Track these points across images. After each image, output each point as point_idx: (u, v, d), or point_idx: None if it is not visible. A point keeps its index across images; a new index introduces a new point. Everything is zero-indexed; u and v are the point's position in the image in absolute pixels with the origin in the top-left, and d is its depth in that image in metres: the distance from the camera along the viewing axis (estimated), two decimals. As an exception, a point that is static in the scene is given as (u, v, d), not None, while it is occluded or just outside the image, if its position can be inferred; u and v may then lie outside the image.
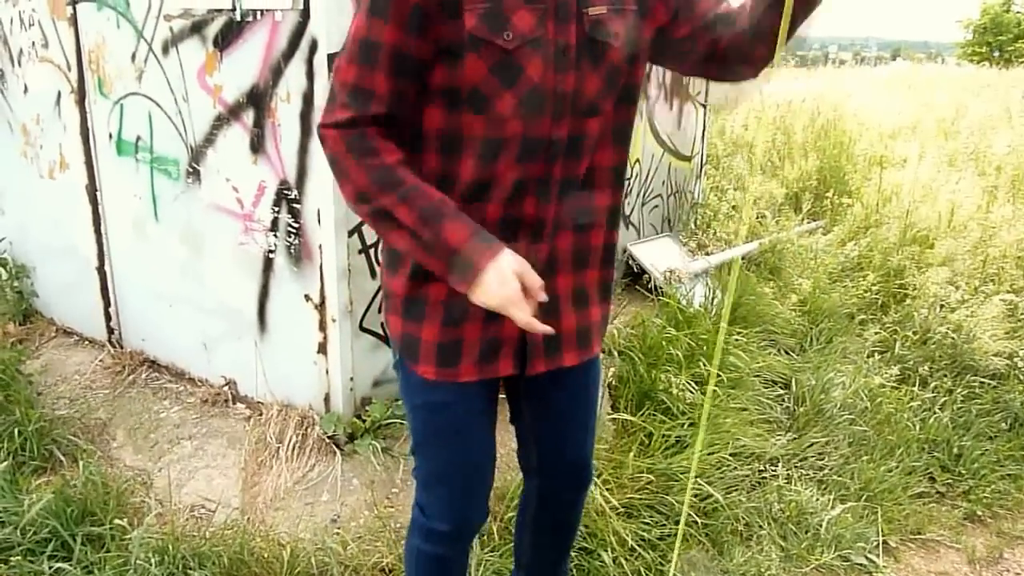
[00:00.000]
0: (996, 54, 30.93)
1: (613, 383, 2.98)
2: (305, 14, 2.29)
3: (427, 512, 1.55)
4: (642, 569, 2.20)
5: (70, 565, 2.10)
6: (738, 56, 1.38)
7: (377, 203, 1.25)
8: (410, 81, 1.26)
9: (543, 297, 1.23)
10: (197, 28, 2.56)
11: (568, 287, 1.44)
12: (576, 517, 1.79)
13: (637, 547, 2.24)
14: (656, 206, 4.64)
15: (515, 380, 1.51)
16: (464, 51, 1.24)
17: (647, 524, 2.33)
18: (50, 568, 2.07)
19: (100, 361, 3.25)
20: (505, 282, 1.20)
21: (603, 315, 1.54)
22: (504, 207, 1.33)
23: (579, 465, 1.65)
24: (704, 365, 3.03)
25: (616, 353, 3.31)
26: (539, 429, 1.61)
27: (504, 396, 1.60)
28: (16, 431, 2.61)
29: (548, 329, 1.24)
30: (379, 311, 2.58)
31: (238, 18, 2.44)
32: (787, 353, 3.58)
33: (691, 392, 2.90)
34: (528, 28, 1.24)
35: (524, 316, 1.21)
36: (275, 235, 2.57)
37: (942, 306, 3.90)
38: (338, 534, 2.30)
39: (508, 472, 2.35)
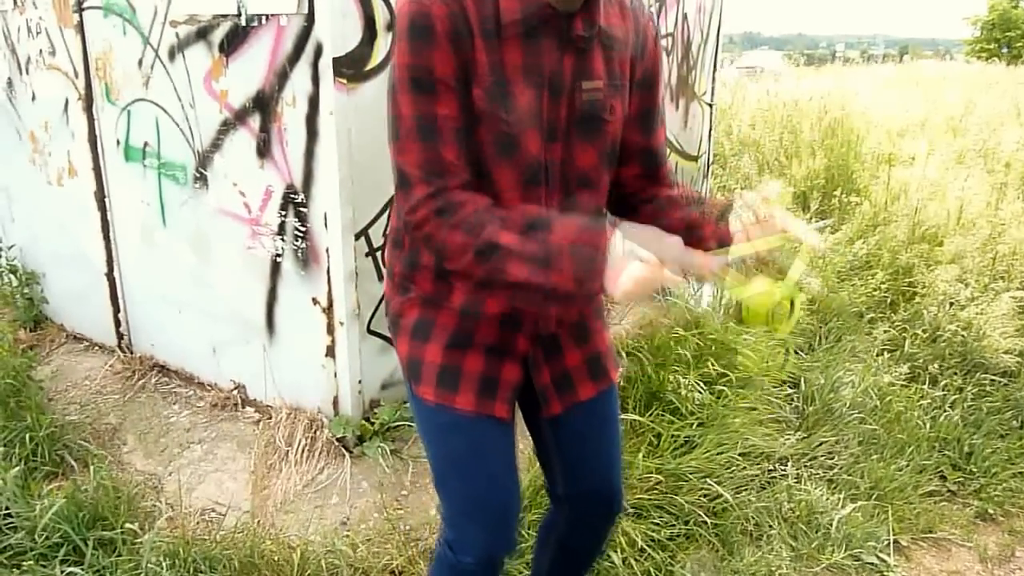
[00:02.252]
0: (1004, 51, 30.74)
1: (621, 383, 2.98)
2: (310, 18, 2.29)
3: (455, 548, 1.48)
4: (651, 569, 2.20)
5: (82, 569, 2.11)
6: (624, 205, 1.47)
7: (483, 241, 1.19)
8: (469, 149, 1.26)
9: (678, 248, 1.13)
10: (203, 34, 2.57)
11: (567, 325, 1.45)
12: (603, 544, 1.76)
13: (646, 547, 2.24)
14: (663, 206, 4.63)
15: (533, 413, 1.51)
16: (474, 123, 1.25)
17: (656, 524, 2.33)
18: (62, 572, 2.08)
19: (110, 366, 3.26)
20: (650, 270, 1.11)
21: (609, 339, 1.55)
22: None
23: (608, 494, 1.61)
24: (712, 365, 3.03)
25: (624, 354, 3.31)
26: (564, 461, 1.58)
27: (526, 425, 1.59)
28: (27, 437, 2.63)
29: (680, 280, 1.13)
30: (386, 314, 2.59)
31: (243, 23, 2.45)
32: (796, 352, 3.57)
33: (699, 392, 2.90)
34: (527, 103, 1.26)
35: (670, 275, 1.11)
36: (282, 239, 2.58)
37: (952, 304, 3.88)
38: (348, 536, 2.30)
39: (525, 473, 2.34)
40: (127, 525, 2.23)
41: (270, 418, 2.75)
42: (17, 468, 2.42)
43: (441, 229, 1.22)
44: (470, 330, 1.37)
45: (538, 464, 1.74)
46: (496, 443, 1.46)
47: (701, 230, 1.34)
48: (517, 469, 1.52)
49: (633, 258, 1.11)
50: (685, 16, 4.46)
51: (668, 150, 4.64)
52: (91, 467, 2.52)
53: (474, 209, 1.21)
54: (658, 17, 4.15)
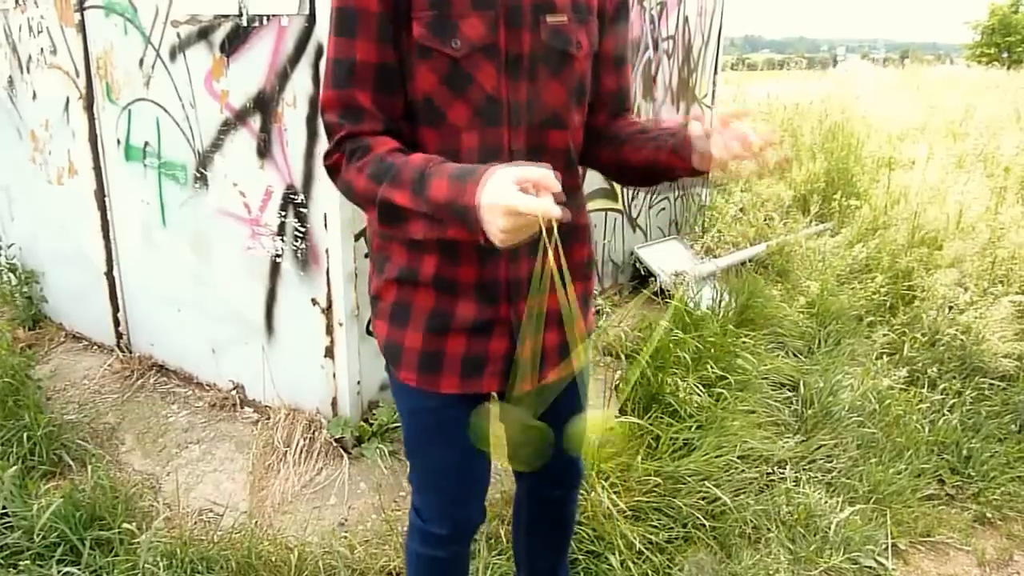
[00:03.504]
0: (1005, 55, 30.78)
1: (620, 385, 2.98)
2: (311, 19, 2.30)
3: (423, 516, 1.54)
4: (649, 572, 2.20)
5: (79, 569, 2.10)
6: (592, 148, 1.42)
7: (380, 198, 1.15)
8: (393, 94, 1.23)
9: (556, 186, 1.00)
10: (204, 34, 2.57)
11: (554, 304, 1.35)
12: (570, 515, 1.77)
13: (644, 550, 2.23)
14: (663, 209, 4.64)
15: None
16: (414, 61, 1.21)
17: (655, 527, 2.33)
18: (59, 572, 2.08)
19: (109, 366, 3.26)
20: (499, 202, 0.99)
21: (585, 328, 1.48)
22: None
23: (566, 462, 1.61)
24: (711, 368, 3.03)
25: (623, 356, 3.31)
26: None
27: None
28: (25, 436, 2.62)
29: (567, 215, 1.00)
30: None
31: (244, 23, 2.45)
32: (795, 355, 3.57)
33: (698, 395, 2.90)
34: (477, 36, 1.20)
35: (546, 208, 0.97)
36: (282, 239, 2.58)
37: (951, 308, 3.88)
38: (346, 538, 2.30)
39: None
40: (124, 525, 2.23)
41: (268, 418, 2.75)
42: (15, 467, 2.41)
43: (350, 172, 1.20)
44: (449, 310, 1.32)
45: None
46: (468, 420, 1.44)
47: (666, 148, 1.30)
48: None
49: (509, 195, 0.98)
50: (686, 19, 4.46)
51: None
52: (89, 467, 2.52)
53: (376, 153, 1.17)
54: (659, 20, 4.16)
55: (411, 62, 1.21)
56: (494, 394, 1.41)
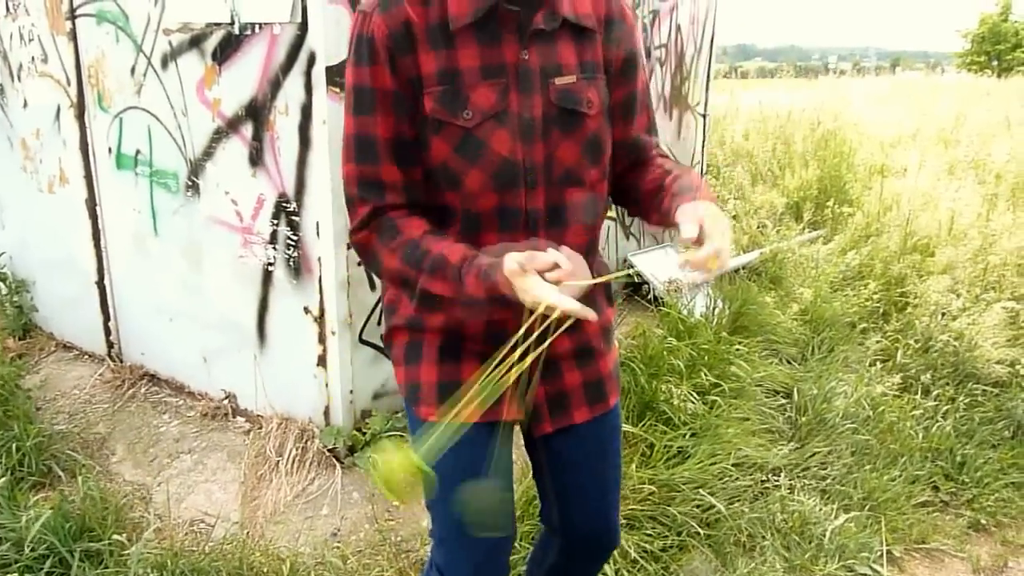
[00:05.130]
0: (995, 63, 30.99)
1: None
2: (303, 27, 2.29)
3: (444, 572, 1.44)
4: (644, 581, 2.19)
5: (68, 581, 2.08)
6: (624, 198, 1.47)
7: (420, 288, 1.23)
8: (412, 166, 1.26)
9: (566, 264, 1.11)
10: (196, 42, 2.57)
11: (568, 344, 1.37)
12: (597, 573, 1.73)
13: (640, 558, 2.22)
14: (656, 216, 4.64)
15: (529, 431, 1.46)
16: (428, 134, 1.24)
17: (649, 535, 2.32)
18: (48, 584, 2.06)
19: (99, 375, 3.24)
20: (517, 281, 1.11)
21: (614, 362, 1.49)
22: None
23: (601, 531, 1.56)
24: (705, 375, 3.03)
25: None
26: (557, 486, 1.54)
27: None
28: (15, 446, 2.60)
29: (591, 315, 1.11)
30: (378, 323, 2.58)
31: (237, 32, 2.45)
32: (789, 362, 3.57)
33: (692, 402, 2.89)
34: (489, 104, 1.23)
35: (565, 303, 1.08)
36: (274, 248, 2.57)
37: (943, 314, 3.89)
38: (338, 548, 2.28)
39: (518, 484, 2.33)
40: (115, 536, 2.20)
41: (261, 428, 2.73)
42: (4, 478, 2.40)
43: (377, 245, 1.26)
44: (458, 339, 1.35)
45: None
46: (494, 461, 1.40)
47: (659, 201, 1.32)
48: (512, 490, 1.48)
49: (527, 278, 1.11)
50: (678, 28, 4.48)
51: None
52: (79, 477, 2.49)
53: (410, 239, 1.23)
54: (652, 28, 4.17)
55: (426, 135, 1.25)
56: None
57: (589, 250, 1.38)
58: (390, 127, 1.23)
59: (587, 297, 1.15)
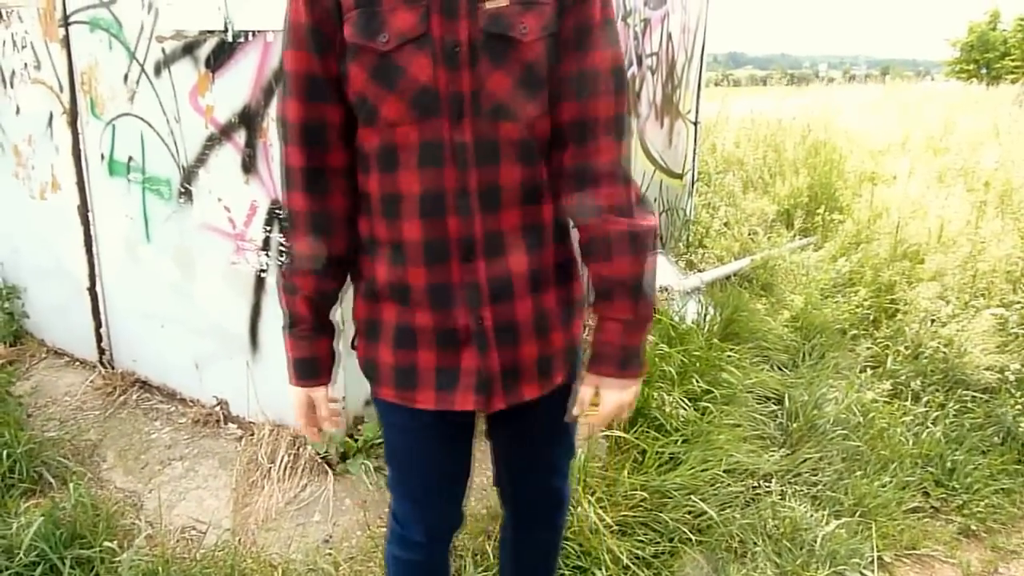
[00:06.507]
0: (983, 71, 31.26)
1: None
2: (296, 35, 2.30)
3: (400, 520, 1.55)
4: (636, 587, 2.19)
5: (59, 589, 2.07)
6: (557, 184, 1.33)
7: (286, 305, 1.46)
8: (327, 104, 1.25)
9: (331, 427, 1.50)
10: (189, 49, 2.57)
11: (528, 312, 1.32)
12: (554, 542, 1.76)
13: (631, 565, 2.23)
14: (648, 223, 4.65)
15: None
16: (347, 62, 1.20)
17: (641, 542, 2.32)
18: (39, 592, 2.05)
19: (91, 382, 3.23)
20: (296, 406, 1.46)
21: (567, 340, 1.39)
22: (423, 225, 1.24)
23: (548, 492, 1.61)
24: (696, 381, 3.04)
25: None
26: (506, 456, 1.58)
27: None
28: (5, 453, 2.59)
29: (318, 436, 1.54)
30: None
31: (230, 39, 2.45)
32: (780, 369, 3.59)
33: (684, 409, 2.90)
34: (407, 27, 1.16)
35: (306, 428, 1.49)
36: (267, 254, 2.57)
37: (933, 321, 3.92)
38: (330, 555, 2.28)
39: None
40: (106, 543, 2.20)
41: (252, 434, 2.73)
42: (-6, 486, 2.39)
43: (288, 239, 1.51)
44: (410, 321, 1.31)
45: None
46: (451, 440, 1.46)
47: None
48: (470, 455, 1.52)
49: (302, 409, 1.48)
50: (670, 36, 4.51)
51: (653, 167, 4.68)
52: (70, 484, 2.48)
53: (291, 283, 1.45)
54: (643, 36, 4.19)
55: (346, 66, 1.21)
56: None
57: (530, 192, 1.28)
58: (304, 60, 1.22)
59: (508, 241, 1.28)
